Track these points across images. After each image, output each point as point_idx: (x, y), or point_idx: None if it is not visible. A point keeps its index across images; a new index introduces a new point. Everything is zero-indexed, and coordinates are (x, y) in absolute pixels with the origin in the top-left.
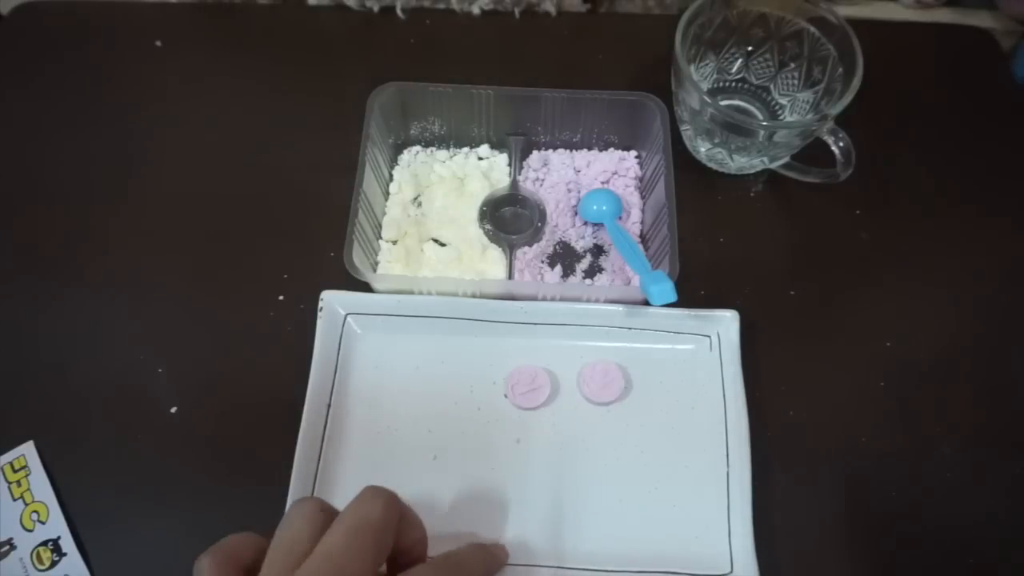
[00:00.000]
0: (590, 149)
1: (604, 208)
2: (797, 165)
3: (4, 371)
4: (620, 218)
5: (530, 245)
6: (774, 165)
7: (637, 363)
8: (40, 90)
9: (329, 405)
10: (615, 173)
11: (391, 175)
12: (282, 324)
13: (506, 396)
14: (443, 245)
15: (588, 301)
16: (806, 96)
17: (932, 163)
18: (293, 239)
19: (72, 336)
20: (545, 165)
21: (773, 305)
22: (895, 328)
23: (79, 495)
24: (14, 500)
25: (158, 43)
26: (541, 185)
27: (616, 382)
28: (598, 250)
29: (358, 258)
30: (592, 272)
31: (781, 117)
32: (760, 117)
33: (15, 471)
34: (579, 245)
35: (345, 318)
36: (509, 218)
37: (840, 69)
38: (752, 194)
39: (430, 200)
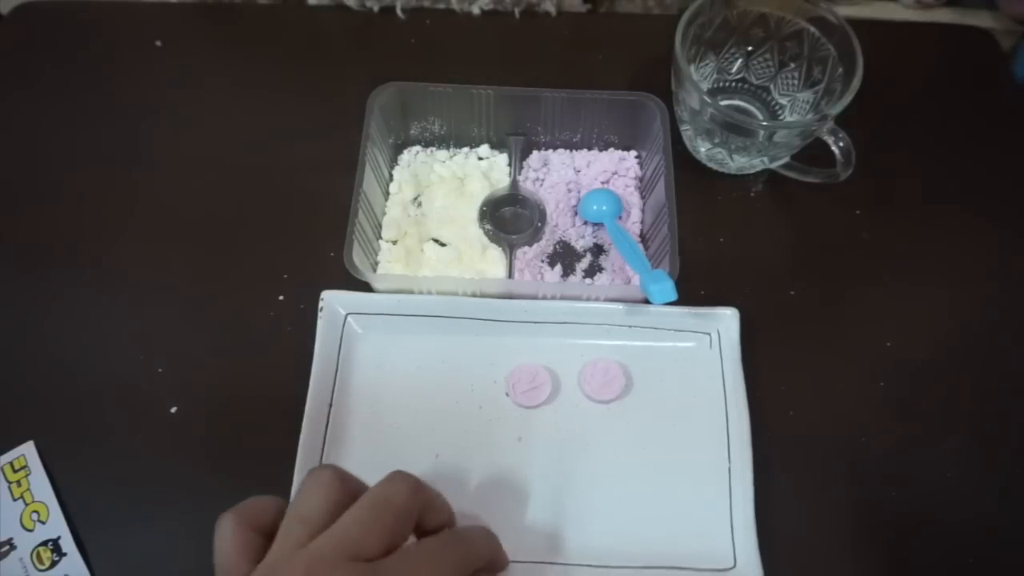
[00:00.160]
0: (590, 149)
1: (604, 208)
2: (797, 165)
3: (4, 371)
4: (620, 218)
5: (530, 245)
6: (774, 165)
7: (638, 361)
8: (40, 90)
9: (330, 405)
10: (615, 173)
11: (391, 175)
12: (282, 324)
13: (507, 395)
14: (443, 245)
15: (588, 300)
16: (806, 96)
17: (932, 163)
18: (293, 239)
19: (72, 336)
20: (545, 165)
21: (773, 305)
22: (895, 328)
23: (79, 495)
24: (14, 500)
25: (158, 43)
26: (541, 185)
27: (617, 380)
28: (598, 250)
29: (358, 258)
30: (592, 272)
31: (781, 117)
32: (760, 117)
33: (15, 471)
34: (579, 245)
35: (345, 318)
36: (509, 218)
37: (840, 69)
38: (752, 194)
39: (430, 200)
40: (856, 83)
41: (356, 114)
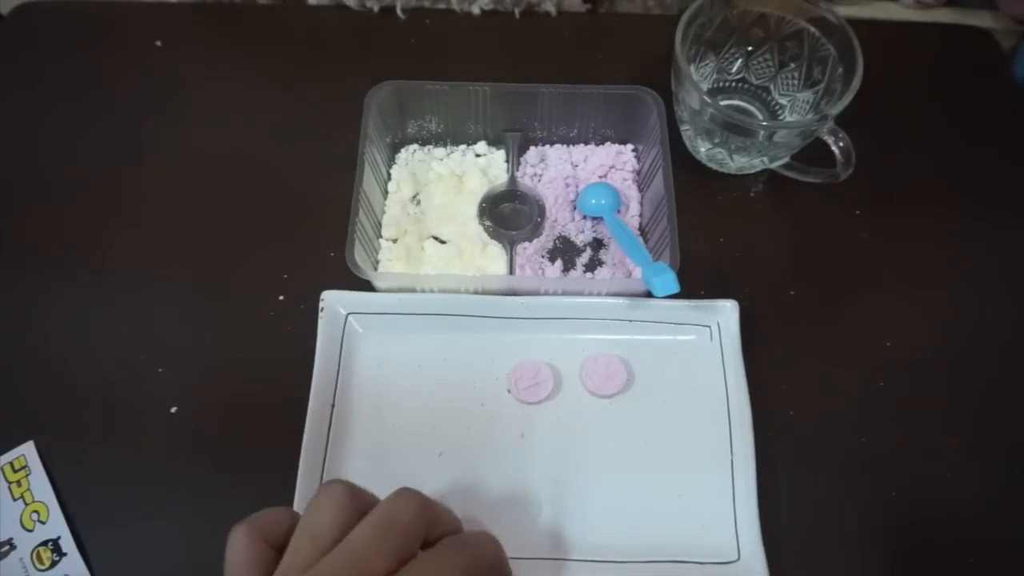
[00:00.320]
0: (587, 144)
1: (603, 202)
2: (797, 165)
3: (4, 371)
4: (619, 212)
5: (530, 240)
6: (774, 165)
7: (639, 355)
8: (40, 90)
9: (333, 405)
10: (612, 167)
11: (389, 174)
12: (282, 324)
13: (509, 391)
14: (443, 242)
15: (590, 295)
16: (806, 96)
17: (932, 163)
18: (293, 239)
19: (72, 336)
20: (543, 160)
21: (773, 305)
22: (895, 328)
23: (79, 495)
24: (14, 500)
25: (158, 43)
26: (539, 181)
27: (618, 374)
28: (598, 244)
29: (359, 257)
30: (592, 266)
31: (781, 117)
32: (760, 117)
33: (15, 471)
34: (579, 239)
35: (346, 318)
36: (508, 214)
37: (840, 69)
38: (752, 194)
39: (429, 198)
40: (856, 83)
41: (356, 114)
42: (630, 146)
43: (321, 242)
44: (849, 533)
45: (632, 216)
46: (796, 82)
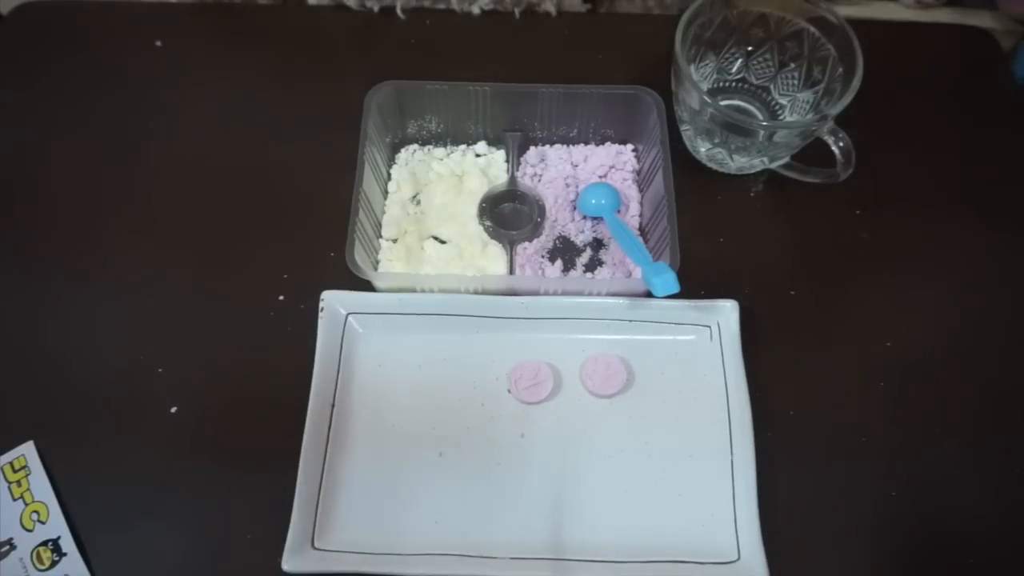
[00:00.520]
0: (587, 144)
1: (603, 202)
2: (797, 165)
3: (4, 371)
4: (619, 211)
5: (530, 240)
6: (774, 165)
7: (639, 355)
8: (40, 90)
9: (333, 405)
10: (612, 167)
11: (389, 174)
12: (282, 324)
13: (509, 391)
14: (443, 242)
15: (590, 295)
16: (806, 96)
17: (932, 163)
18: (293, 239)
19: (72, 336)
20: (543, 160)
21: (773, 305)
22: (895, 328)
23: (79, 495)
24: (14, 500)
25: (158, 43)
26: (539, 181)
27: (618, 374)
28: (598, 244)
29: (360, 257)
30: (592, 266)
31: (781, 117)
32: (760, 117)
33: (15, 471)
34: (579, 239)
35: (346, 318)
36: (508, 214)
37: (840, 69)
38: (752, 194)
39: (429, 198)
40: (856, 83)
41: (356, 114)
42: (630, 146)
43: (321, 242)
44: (849, 533)
45: (632, 216)
46: (796, 82)
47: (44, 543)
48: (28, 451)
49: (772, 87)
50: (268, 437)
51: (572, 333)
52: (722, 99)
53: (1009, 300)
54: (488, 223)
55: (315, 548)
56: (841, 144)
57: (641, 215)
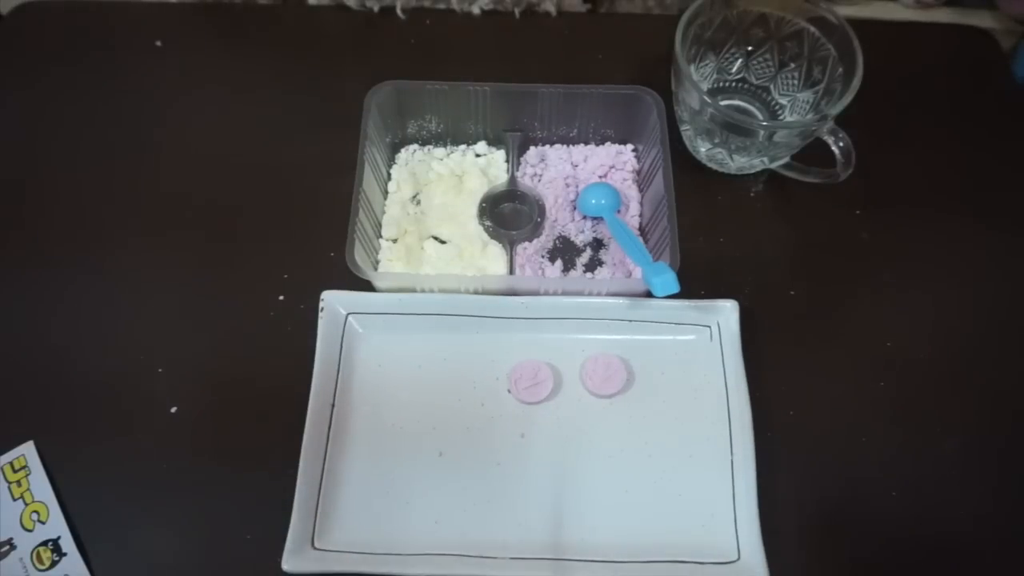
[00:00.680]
0: (587, 144)
1: (603, 202)
2: (797, 165)
3: (4, 371)
4: (619, 211)
5: (530, 240)
6: (774, 165)
7: (639, 355)
8: (40, 90)
9: (333, 405)
10: (612, 167)
11: (389, 174)
12: (282, 324)
13: (509, 391)
14: (443, 242)
15: (590, 295)
16: (806, 96)
17: (932, 163)
18: (293, 239)
19: (73, 336)
20: (543, 160)
21: (773, 305)
22: (895, 328)
23: (79, 495)
24: (14, 500)
25: (158, 43)
26: (539, 180)
27: (618, 374)
28: (598, 244)
29: (360, 257)
30: (592, 266)
31: (781, 117)
32: (760, 117)
33: (15, 471)
34: (579, 239)
35: (346, 318)
36: (508, 214)
37: (840, 69)
38: (752, 194)
39: (429, 198)
40: (856, 83)
41: (356, 114)
42: (630, 146)
43: (321, 242)
44: (849, 533)
45: (632, 216)
46: (796, 82)
47: (44, 543)
48: (28, 451)
49: (772, 87)
50: (268, 437)
51: (572, 333)
52: (722, 99)
53: (1009, 300)
54: (488, 223)
55: (315, 548)
56: (841, 144)
57: (641, 215)
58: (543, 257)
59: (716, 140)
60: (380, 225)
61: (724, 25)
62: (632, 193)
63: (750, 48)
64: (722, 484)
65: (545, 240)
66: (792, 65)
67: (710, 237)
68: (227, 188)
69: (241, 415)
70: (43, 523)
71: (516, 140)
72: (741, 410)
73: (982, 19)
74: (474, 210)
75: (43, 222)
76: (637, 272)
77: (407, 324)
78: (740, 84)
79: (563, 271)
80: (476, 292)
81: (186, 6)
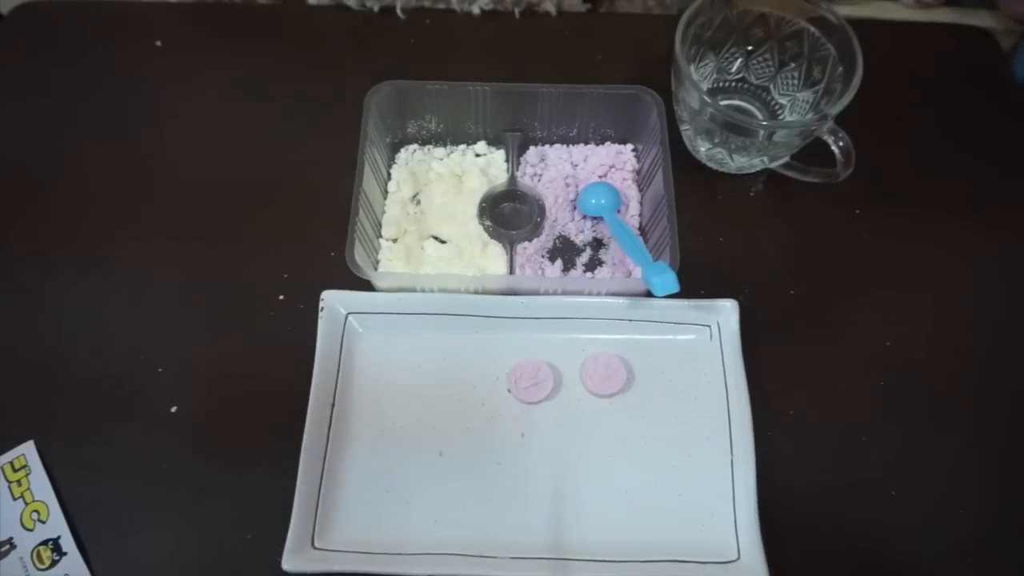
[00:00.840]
0: (587, 143)
1: (603, 202)
2: (797, 165)
3: (4, 371)
4: (619, 211)
5: (530, 240)
6: (774, 165)
7: (639, 355)
8: (40, 90)
9: (333, 405)
10: (612, 167)
11: (389, 174)
12: (282, 324)
13: (509, 391)
14: (443, 242)
15: (590, 294)
16: (806, 96)
17: (932, 163)
18: (293, 239)
19: (72, 336)
20: (542, 160)
21: (773, 305)
22: (895, 328)
23: (79, 495)
24: (14, 500)
25: (158, 43)
26: (539, 180)
27: (618, 374)
28: (598, 244)
29: (360, 256)
30: (592, 266)
31: (781, 117)
32: (760, 117)
33: (15, 471)
34: (579, 239)
35: (346, 317)
36: (508, 214)
37: (840, 69)
38: (752, 194)
39: (429, 198)
40: (856, 83)
41: (356, 114)
42: (630, 146)
43: (321, 242)
44: (849, 533)
45: (632, 216)
46: (796, 82)
47: (44, 543)
48: (28, 451)
49: (772, 87)
50: (268, 437)
51: (572, 333)
52: (722, 99)
53: (1009, 300)
54: (488, 223)
55: (315, 548)
56: (841, 144)
57: (641, 215)
58: (543, 257)
59: (716, 140)
60: (380, 225)
61: (724, 25)
62: (632, 193)
63: (750, 48)
64: (722, 484)
65: (545, 240)
66: (792, 65)
67: (710, 237)
68: (227, 188)
69: (241, 415)
70: (43, 523)
71: (516, 140)
72: (741, 410)
73: (982, 19)
74: (474, 210)
75: (43, 222)
76: (637, 272)
77: (407, 324)
78: (740, 84)
79: (563, 271)
80: (476, 292)
81: (186, 6)
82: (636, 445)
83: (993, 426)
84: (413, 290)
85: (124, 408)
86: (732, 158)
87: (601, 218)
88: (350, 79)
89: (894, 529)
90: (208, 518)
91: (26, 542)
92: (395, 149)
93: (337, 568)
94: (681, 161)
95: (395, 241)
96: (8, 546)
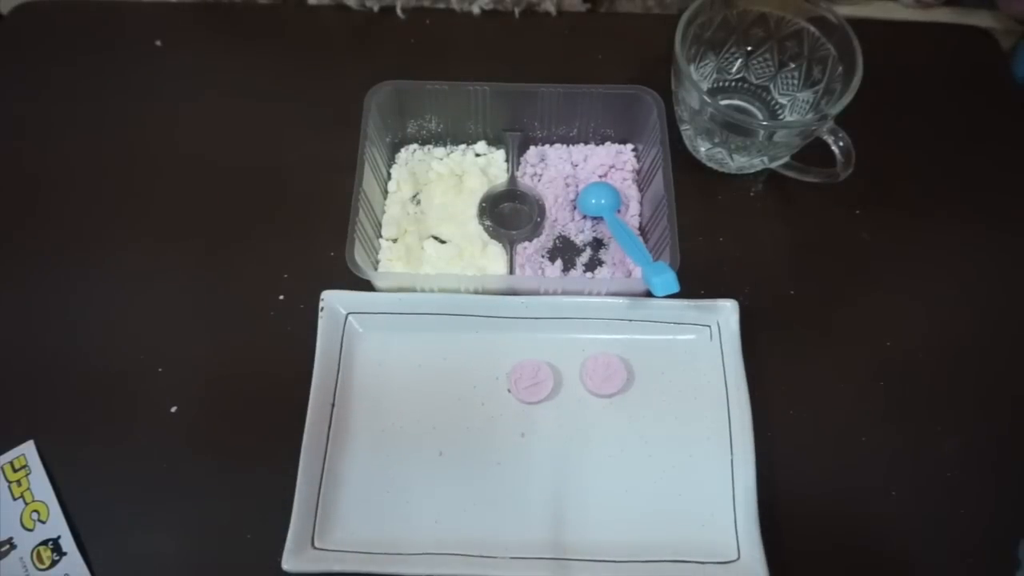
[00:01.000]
0: (587, 143)
1: (603, 202)
2: (797, 165)
3: (5, 370)
4: (619, 211)
5: (530, 240)
6: (774, 165)
7: (639, 355)
8: (40, 90)
9: (333, 405)
10: (612, 167)
11: (389, 174)
12: (282, 324)
13: (509, 391)
14: (443, 242)
15: (590, 294)
16: (806, 96)
17: (932, 163)
18: (293, 239)
19: (72, 336)
20: (542, 160)
21: (773, 304)
22: (895, 328)
23: (79, 495)
24: (14, 500)
25: (158, 43)
26: (539, 180)
27: (618, 374)
28: (598, 244)
29: (360, 256)
30: (592, 266)
31: (781, 117)
32: (760, 117)
33: (15, 471)
34: (579, 239)
35: (346, 317)
36: (508, 214)
37: (840, 69)
38: (752, 194)
39: (429, 197)
40: (856, 83)
41: (356, 114)
42: (630, 146)
43: (321, 242)
44: (848, 532)
45: (632, 216)
46: (796, 82)
47: (44, 542)
48: (28, 451)
49: (772, 87)
50: (268, 436)
51: (572, 333)
52: (722, 99)
53: (1008, 300)
54: (488, 223)
55: (315, 548)
56: (841, 144)
57: (641, 215)
58: (543, 257)
59: (716, 140)
60: (380, 225)
61: (724, 25)
62: (632, 193)
63: (750, 48)
64: (722, 484)
65: (545, 240)
66: (792, 65)
67: (710, 237)
68: (227, 188)
69: (241, 415)
70: (43, 522)
71: (516, 140)
72: (741, 410)
73: (982, 19)
74: (474, 210)
75: (43, 222)
76: (637, 272)
77: (407, 324)
78: (740, 84)
79: (563, 271)
80: (476, 292)
81: (186, 6)
82: (636, 445)
83: (992, 426)
84: (413, 290)
85: (124, 408)
86: (732, 158)
87: (601, 218)
88: (350, 79)
89: (894, 529)
90: (208, 518)
91: (26, 542)
92: (395, 149)
93: (337, 568)
94: (681, 161)
95: (395, 241)
96: (8, 546)
